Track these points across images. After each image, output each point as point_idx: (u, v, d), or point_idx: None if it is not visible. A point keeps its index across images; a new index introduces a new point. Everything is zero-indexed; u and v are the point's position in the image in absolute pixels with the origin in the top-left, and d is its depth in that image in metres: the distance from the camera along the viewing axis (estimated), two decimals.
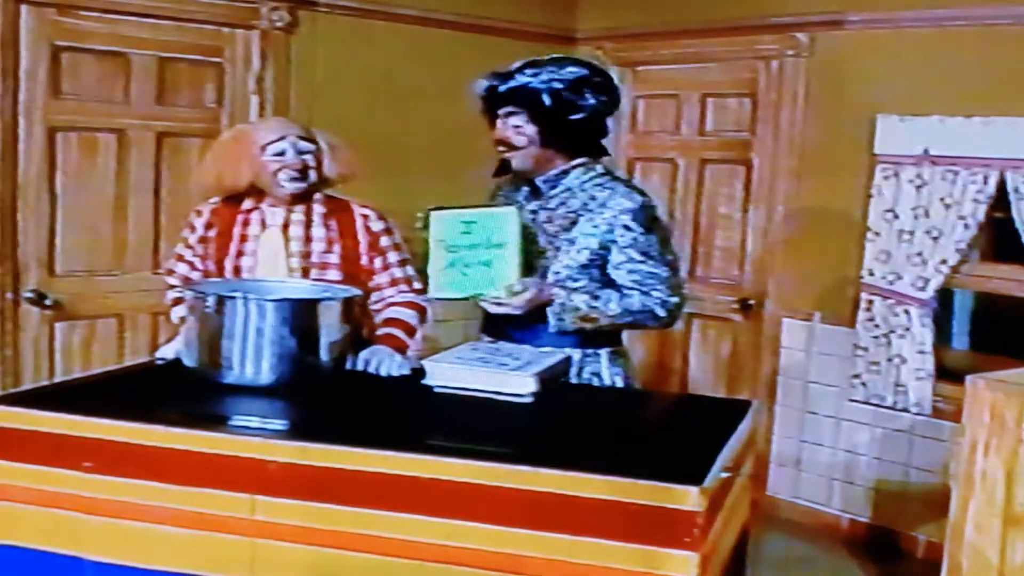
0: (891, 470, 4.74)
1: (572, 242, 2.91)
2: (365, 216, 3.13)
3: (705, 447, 2.21)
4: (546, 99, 2.87)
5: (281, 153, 2.99)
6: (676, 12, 5.32)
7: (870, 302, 4.69)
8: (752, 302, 5.20)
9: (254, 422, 2.33)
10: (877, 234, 4.64)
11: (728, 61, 5.23)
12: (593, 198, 2.92)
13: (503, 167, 3.03)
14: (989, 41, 4.34)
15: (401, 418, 2.49)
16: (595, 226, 2.89)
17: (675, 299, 2.91)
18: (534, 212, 2.99)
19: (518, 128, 2.92)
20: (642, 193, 2.97)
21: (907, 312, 4.56)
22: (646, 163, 5.62)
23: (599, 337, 2.96)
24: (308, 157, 3.02)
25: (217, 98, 4.61)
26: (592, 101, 2.91)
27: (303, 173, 3.01)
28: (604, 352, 2.99)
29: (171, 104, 4.50)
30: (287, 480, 2.15)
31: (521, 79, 2.89)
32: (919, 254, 4.50)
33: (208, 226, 3.11)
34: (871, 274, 4.67)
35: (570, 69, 2.91)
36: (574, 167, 2.98)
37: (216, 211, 3.12)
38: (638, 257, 2.88)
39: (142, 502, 2.21)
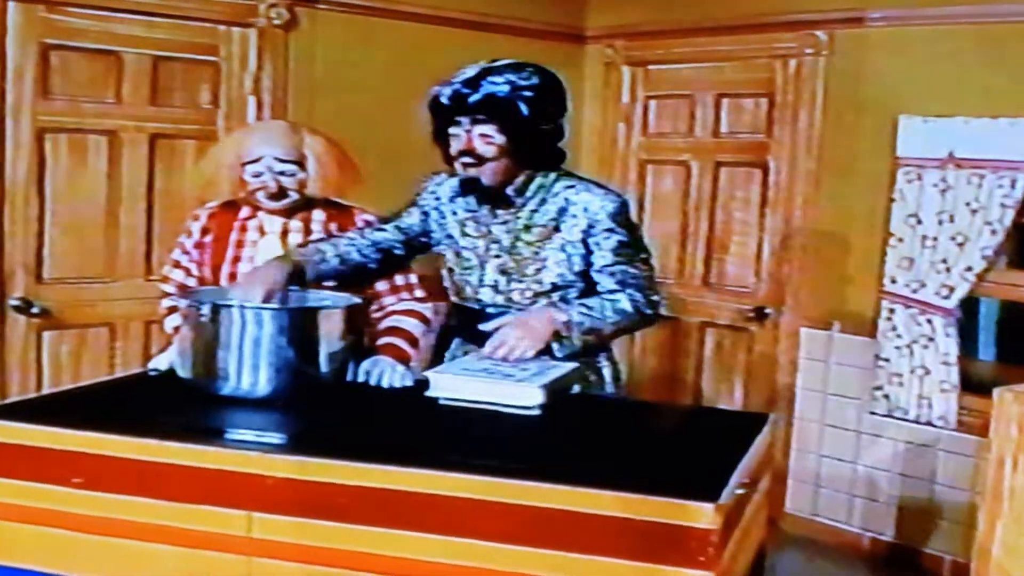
0: (915, 486, 4.73)
1: (561, 249, 2.90)
2: (368, 223, 3.15)
3: (720, 462, 2.21)
4: (523, 108, 2.81)
5: (259, 174, 3.01)
6: (689, 9, 5.32)
7: (892, 311, 4.68)
8: (769, 311, 5.20)
9: (251, 436, 2.33)
10: (900, 240, 4.63)
11: (744, 60, 5.23)
12: (568, 200, 2.91)
13: (469, 184, 2.95)
14: (1016, 39, 4.33)
15: (404, 431, 2.49)
16: (581, 230, 2.89)
17: (656, 296, 2.93)
18: (506, 223, 2.98)
19: (487, 138, 2.85)
20: (616, 193, 2.98)
21: (931, 321, 4.55)
22: (658, 166, 5.62)
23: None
24: (286, 180, 3.04)
25: (213, 98, 4.61)
26: (553, 108, 2.89)
27: (279, 193, 3.03)
28: (603, 355, 3.03)
29: (165, 105, 4.50)
30: (285, 496, 2.15)
31: (490, 87, 2.82)
32: (943, 261, 4.50)
33: (205, 231, 3.14)
34: (893, 282, 4.66)
35: (532, 74, 2.86)
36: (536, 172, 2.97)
37: (214, 216, 3.14)
38: (622, 259, 2.89)
39: (134, 519, 2.22)
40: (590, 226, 2.88)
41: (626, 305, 2.87)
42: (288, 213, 3.08)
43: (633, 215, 3.03)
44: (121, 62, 4.38)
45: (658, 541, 1.96)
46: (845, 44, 4.86)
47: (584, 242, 2.90)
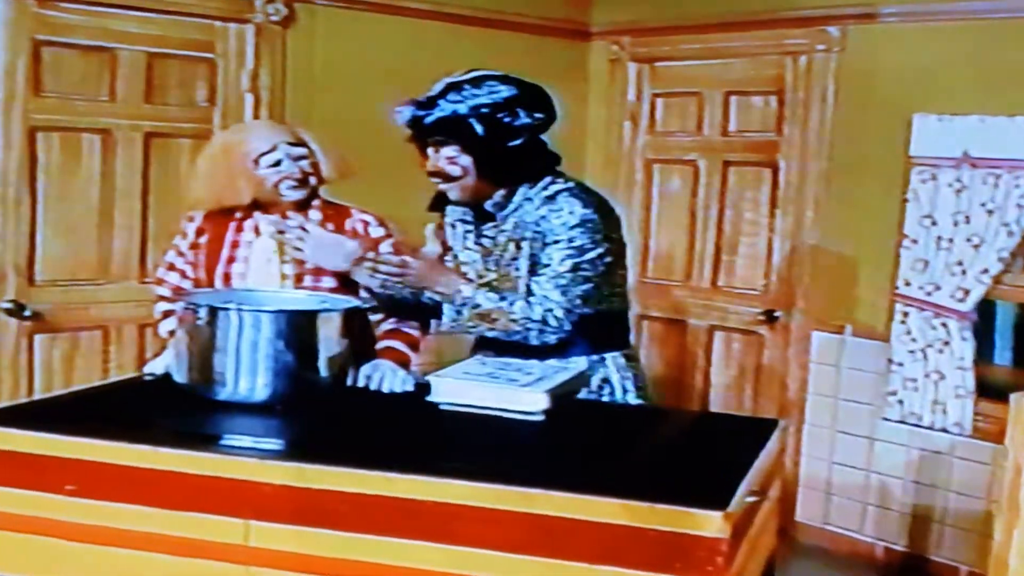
0: (929, 494, 4.73)
1: (528, 259, 2.90)
2: (365, 222, 3.16)
3: (729, 469, 2.21)
4: (477, 127, 2.81)
5: (276, 163, 3.02)
6: (697, 4, 5.33)
7: (906, 314, 4.68)
8: (779, 313, 5.20)
9: (248, 442, 2.34)
10: (914, 241, 4.63)
11: (753, 56, 5.23)
12: (537, 210, 2.90)
13: (439, 200, 3.00)
14: None
15: (405, 437, 2.50)
16: (540, 239, 2.87)
17: (555, 326, 2.82)
18: (492, 237, 2.99)
19: (451, 159, 2.87)
20: (588, 204, 2.89)
21: (946, 325, 4.55)
22: (665, 165, 5.62)
23: (605, 341, 2.98)
24: (304, 163, 3.06)
25: (209, 96, 4.62)
26: (527, 121, 2.86)
27: (303, 180, 3.05)
28: (610, 356, 3.00)
29: (160, 102, 4.51)
30: (283, 504, 2.15)
31: (447, 107, 2.83)
32: (959, 263, 4.50)
33: (200, 232, 3.14)
34: (907, 284, 4.66)
35: (496, 89, 2.84)
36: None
37: (209, 216, 3.14)
38: (561, 268, 2.83)
39: (128, 527, 2.22)
40: (543, 234, 2.87)
41: (536, 314, 2.81)
42: (284, 213, 3.08)
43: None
44: (115, 59, 4.39)
45: (665, 550, 1.96)
46: (857, 40, 4.85)
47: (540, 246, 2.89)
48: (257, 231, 3.10)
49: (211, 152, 3.17)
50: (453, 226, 3.13)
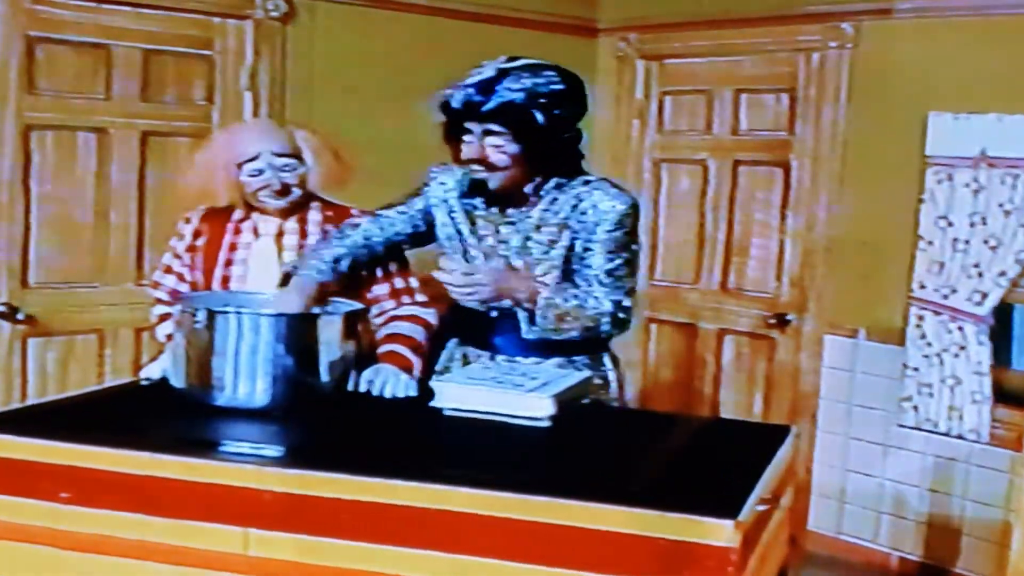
0: (944, 503, 4.73)
1: (569, 247, 2.91)
2: (372, 214, 3.15)
3: (740, 477, 2.21)
4: (539, 116, 2.81)
5: (259, 172, 3.02)
6: (707, 0, 5.33)
7: (921, 318, 4.68)
8: (791, 317, 5.20)
9: (247, 448, 2.34)
10: (929, 243, 4.63)
11: (764, 53, 5.23)
12: (580, 198, 2.91)
13: (475, 187, 2.97)
14: None
15: (408, 444, 2.50)
16: (586, 228, 2.89)
17: (630, 307, 2.91)
18: (514, 223, 2.98)
19: (500, 148, 2.85)
20: (628, 195, 2.97)
21: (962, 329, 4.55)
22: (673, 165, 5.62)
23: (584, 343, 2.98)
24: (287, 175, 3.04)
25: (207, 94, 4.63)
26: (573, 113, 2.90)
27: (283, 191, 3.04)
28: (586, 359, 3.01)
29: (157, 100, 4.51)
30: (283, 512, 2.15)
31: (506, 94, 2.80)
32: (975, 265, 4.50)
33: (197, 234, 3.15)
34: (922, 287, 4.66)
35: (553, 78, 2.85)
36: None
37: (206, 218, 3.14)
38: (615, 262, 2.89)
39: (125, 536, 2.22)
40: (595, 224, 2.88)
41: (607, 306, 2.87)
42: (283, 214, 3.09)
43: (642, 219, 3.02)
44: (110, 56, 4.40)
45: (674, 560, 1.96)
46: (872, 36, 4.85)
47: (587, 238, 2.90)
48: (256, 233, 3.10)
49: (203, 149, 3.19)
50: (463, 209, 3.07)
